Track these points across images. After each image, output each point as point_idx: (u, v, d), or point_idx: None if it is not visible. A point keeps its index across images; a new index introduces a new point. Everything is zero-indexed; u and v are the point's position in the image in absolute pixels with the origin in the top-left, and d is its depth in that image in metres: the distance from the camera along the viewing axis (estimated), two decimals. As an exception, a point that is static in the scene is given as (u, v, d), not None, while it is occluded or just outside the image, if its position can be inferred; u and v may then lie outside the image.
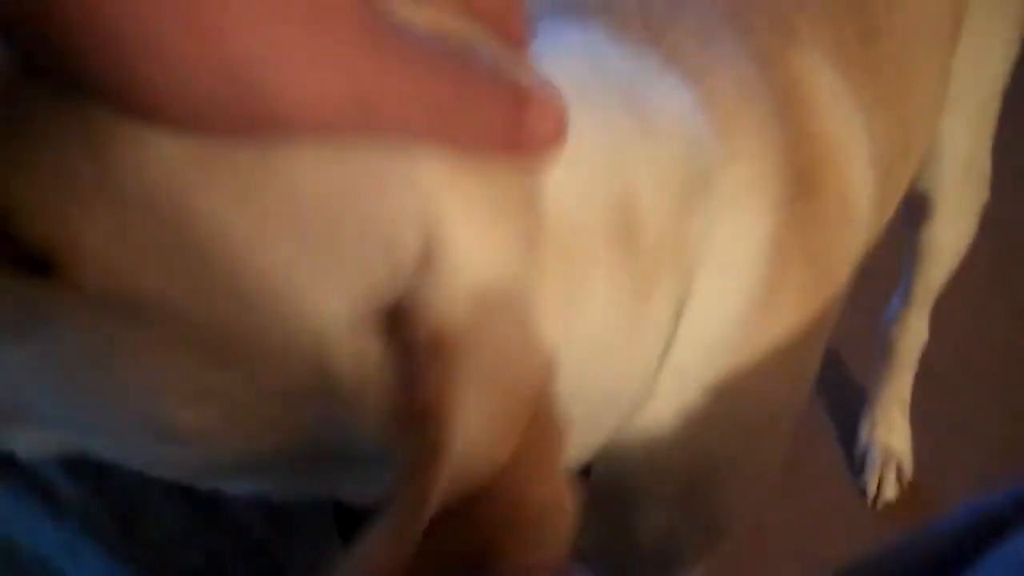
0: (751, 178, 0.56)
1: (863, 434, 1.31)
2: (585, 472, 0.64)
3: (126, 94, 0.29)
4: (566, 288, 0.42)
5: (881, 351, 1.27)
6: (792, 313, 0.60)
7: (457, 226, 0.35)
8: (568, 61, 0.46)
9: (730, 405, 0.59)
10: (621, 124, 0.48)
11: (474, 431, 0.36)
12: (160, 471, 0.40)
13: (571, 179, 0.42)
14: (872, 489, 1.27)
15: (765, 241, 0.57)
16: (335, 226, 0.33)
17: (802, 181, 0.59)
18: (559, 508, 0.39)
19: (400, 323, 0.34)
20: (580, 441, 0.44)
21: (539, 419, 0.38)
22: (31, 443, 0.38)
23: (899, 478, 1.27)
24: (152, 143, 0.31)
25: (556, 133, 0.36)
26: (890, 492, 1.26)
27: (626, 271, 0.47)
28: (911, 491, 1.27)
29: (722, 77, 0.56)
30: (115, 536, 0.41)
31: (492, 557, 0.37)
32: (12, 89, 0.31)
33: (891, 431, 1.31)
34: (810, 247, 0.60)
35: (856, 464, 1.30)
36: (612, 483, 0.63)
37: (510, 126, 0.35)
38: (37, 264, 0.32)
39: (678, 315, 0.52)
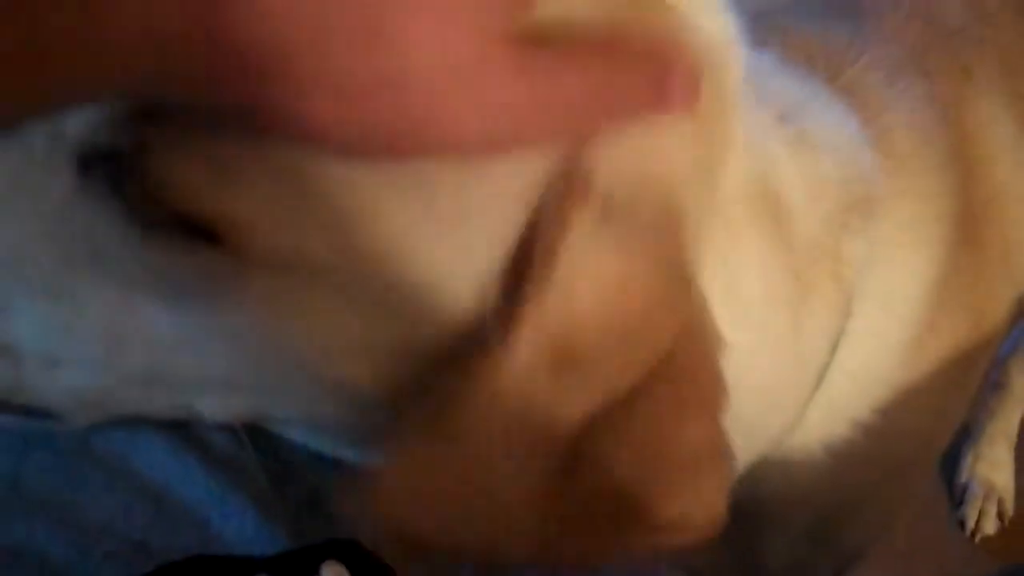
0: (918, 218, 0.57)
1: (965, 467, 1.30)
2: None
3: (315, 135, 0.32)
4: (718, 248, 0.43)
5: (993, 385, 1.26)
6: (945, 357, 0.60)
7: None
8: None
9: (877, 442, 0.60)
10: (768, 128, 0.49)
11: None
12: (309, 430, 0.43)
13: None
14: (971, 523, 1.25)
15: (927, 282, 0.58)
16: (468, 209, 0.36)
17: (968, 228, 0.60)
18: (715, 457, 0.40)
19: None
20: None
21: (703, 367, 0.39)
22: (213, 407, 0.41)
23: (1000, 514, 1.25)
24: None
25: (693, 93, 0.38)
26: (989, 527, 1.25)
27: (779, 257, 0.48)
28: (1011, 527, 1.25)
29: (900, 116, 0.57)
30: (267, 494, 0.44)
31: (637, 506, 0.39)
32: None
33: (995, 467, 1.30)
34: (969, 294, 0.60)
35: (956, 496, 1.28)
36: (745, 507, 0.63)
37: (656, 93, 0.36)
38: (208, 235, 0.35)
39: (835, 340, 0.52)
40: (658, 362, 0.38)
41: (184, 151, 0.34)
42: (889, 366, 0.58)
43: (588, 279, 0.36)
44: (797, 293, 0.49)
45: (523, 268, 0.35)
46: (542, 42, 0.34)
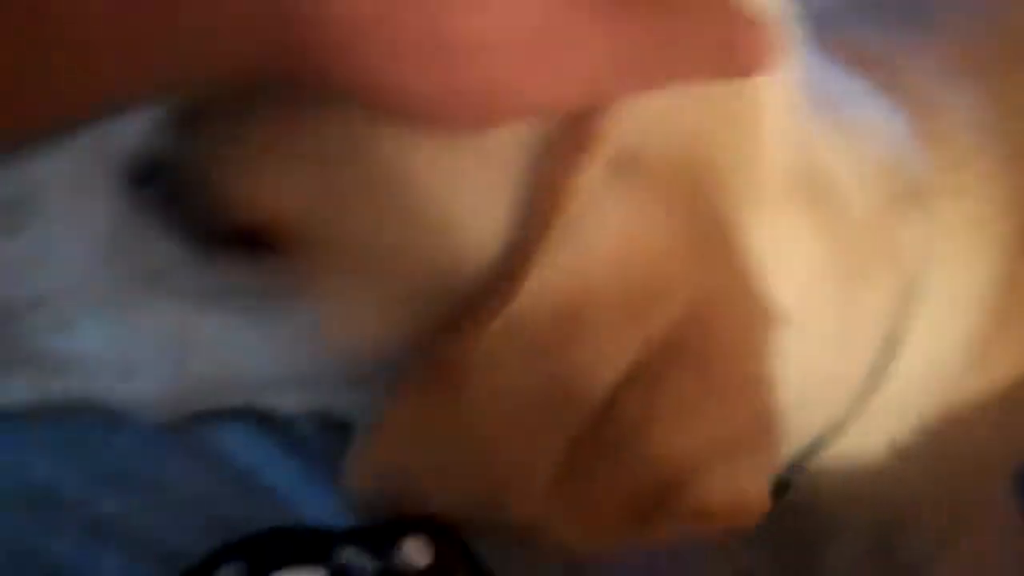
0: (978, 217, 0.57)
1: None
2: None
3: (397, 103, 0.33)
4: (764, 220, 0.43)
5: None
6: (1012, 368, 0.60)
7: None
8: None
9: (943, 446, 0.59)
10: (815, 113, 0.48)
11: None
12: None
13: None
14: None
15: (990, 285, 0.57)
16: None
17: None
18: (756, 438, 0.40)
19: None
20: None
21: (742, 339, 0.39)
22: (284, 403, 0.44)
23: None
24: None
25: (767, 55, 0.38)
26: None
27: (829, 234, 0.47)
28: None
29: (958, 115, 0.58)
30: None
31: (665, 490, 0.39)
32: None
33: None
34: None
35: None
36: (804, 512, 0.62)
37: (724, 54, 0.37)
38: (266, 243, 0.37)
39: (897, 332, 0.52)
40: (685, 331, 0.38)
41: (234, 153, 0.36)
42: (953, 369, 0.57)
43: (598, 230, 0.36)
44: (848, 272, 0.49)
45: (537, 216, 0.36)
46: None
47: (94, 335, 0.42)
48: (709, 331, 0.38)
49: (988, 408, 0.59)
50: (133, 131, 0.38)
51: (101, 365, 0.42)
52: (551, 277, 0.35)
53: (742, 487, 0.40)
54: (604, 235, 0.36)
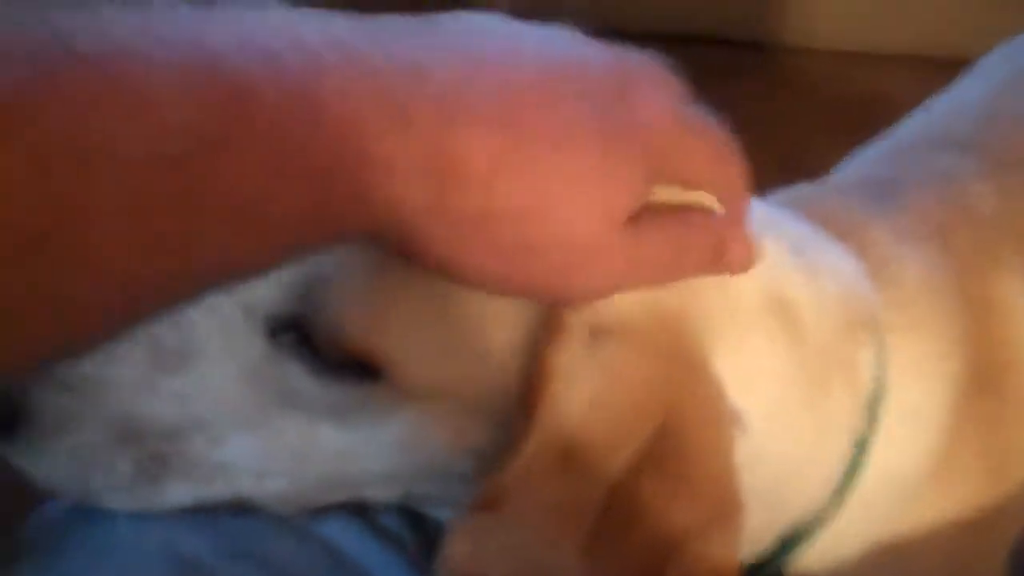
0: (929, 351, 0.63)
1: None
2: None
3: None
4: (737, 340, 0.52)
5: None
6: (965, 496, 0.64)
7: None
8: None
9: (902, 561, 0.63)
10: (780, 252, 0.57)
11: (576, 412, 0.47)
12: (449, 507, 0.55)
13: None
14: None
15: (943, 414, 0.62)
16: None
17: (986, 377, 0.64)
18: (722, 520, 0.48)
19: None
20: (751, 527, 0.51)
21: (719, 481, 0.48)
22: (377, 495, 0.54)
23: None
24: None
25: (748, 259, 0.51)
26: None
27: (793, 354, 0.55)
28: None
29: (909, 268, 0.64)
30: (419, 559, 0.57)
31: (668, 564, 0.48)
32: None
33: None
34: (988, 441, 0.64)
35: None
36: None
37: (714, 254, 0.50)
38: (368, 371, 0.49)
39: (861, 442, 0.58)
40: (659, 443, 0.47)
41: (351, 307, 0.48)
42: (915, 481, 0.62)
43: (581, 388, 0.46)
44: (810, 382, 0.56)
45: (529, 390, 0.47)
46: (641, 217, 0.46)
47: (239, 447, 0.52)
48: (679, 441, 0.47)
49: (937, 535, 0.63)
50: (269, 296, 0.50)
51: (243, 471, 0.52)
52: (550, 427, 0.46)
53: (715, 557, 0.48)
54: (585, 391, 0.46)
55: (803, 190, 0.72)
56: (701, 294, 0.51)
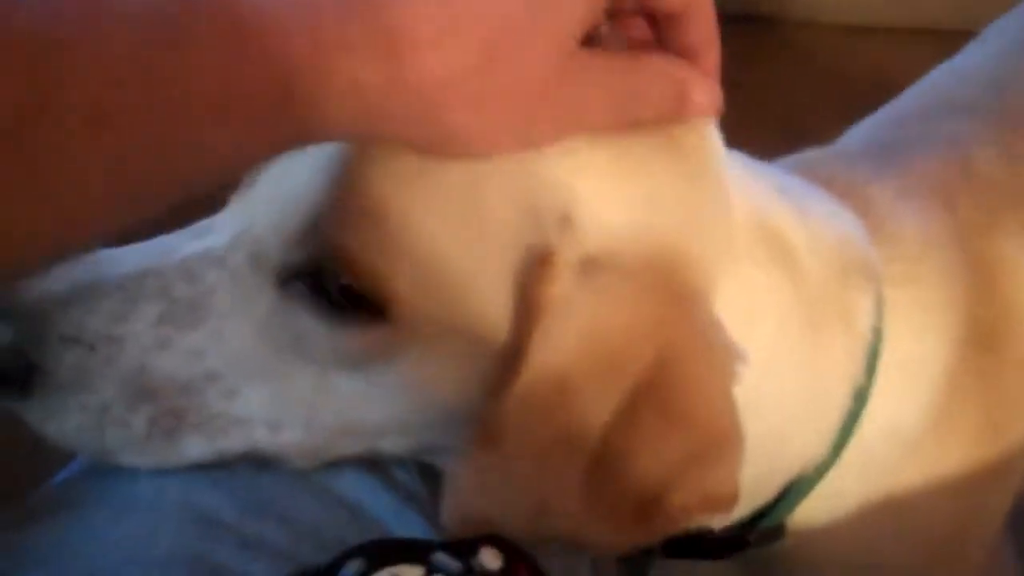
0: (929, 303, 0.63)
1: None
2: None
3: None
4: (732, 272, 0.52)
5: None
6: (965, 450, 0.65)
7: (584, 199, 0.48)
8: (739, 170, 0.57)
9: (902, 515, 0.64)
10: (768, 193, 0.57)
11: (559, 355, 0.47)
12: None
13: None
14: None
15: (942, 368, 0.63)
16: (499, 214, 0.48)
17: (985, 332, 0.65)
18: (720, 447, 0.48)
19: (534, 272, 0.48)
20: (751, 478, 0.52)
21: (714, 412, 0.48)
22: (391, 448, 0.55)
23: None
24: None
25: (712, 105, 0.50)
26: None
27: (787, 287, 0.55)
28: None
29: (907, 224, 0.64)
30: (430, 509, 0.58)
31: (654, 497, 0.48)
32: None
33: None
34: (988, 396, 0.65)
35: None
36: (793, 573, 0.68)
37: (676, 101, 0.49)
38: (377, 315, 0.50)
39: (860, 391, 0.59)
40: (652, 377, 0.47)
41: (356, 244, 0.49)
42: (913, 432, 0.62)
43: (572, 320, 0.47)
44: (808, 322, 0.56)
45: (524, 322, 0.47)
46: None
47: (252, 399, 0.53)
48: (673, 372, 0.48)
49: (937, 486, 0.63)
50: (277, 246, 0.51)
51: (257, 422, 0.53)
52: (542, 360, 0.46)
53: (711, 488, 0.49)
54: (577, 323, 0.47)
55: (807, 155, 0.73)
56: (694, 223, 0.51)
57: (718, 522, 0.56)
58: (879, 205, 0.66)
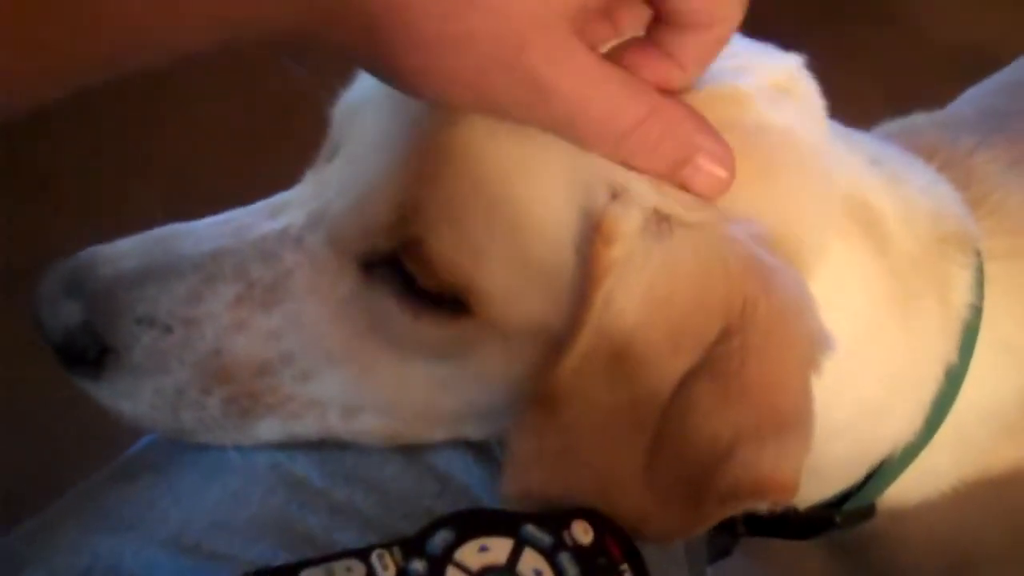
0: None
1: None
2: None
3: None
4: (818, 245, 0.49)
5: None
6: None
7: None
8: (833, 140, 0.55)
9: (1004, 496, 0.63)
10: (858, 161, 0.55)
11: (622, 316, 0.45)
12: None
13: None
14: None
15: None
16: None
17: None
18: (784, 430, 0.45)
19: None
20: (839, 459, 0.51)
21: (781, 390, 0.45)
22: (475, 432, 0.55)
23: None
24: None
25: (720, 185, 0.46)
26: None
27: (877, 261, 0.53)
28: None
29: (1015, 198, 0.62)
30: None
31: (711, 478, 0.46)
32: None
33: None
34: None
35: None
36: (882, 554, 0.67)
37: (680, 165, 0.46)
38: (461, 305, 0.49)
39: (954, 372, 0.57)
40: (719, 348, 0.45)
41: (444, 242, 0.48)
42: (1010, 417, 0.60)
43: (633, 289, 0.44)
44: (900, 300, 0.54)
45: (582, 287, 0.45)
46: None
47: (329, 383, 0.52)
48: (738, 348, 0.45)
49: None
50: (361, 232, 0.50)
51: (332, 406, 0.53)
52: (602, 326, 0.44)
53: (766, 472, 0.46)
54: (642, 286, 0.44)
55: (912, 120, 0.70)
56: (783, 196, 0.49)
57: (787, 505, 0.53)
58: (983, 176, 0.63)
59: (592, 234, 0.46)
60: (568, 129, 0.45)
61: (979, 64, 0.88)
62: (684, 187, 0.46)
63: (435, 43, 0.41)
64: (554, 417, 0.47)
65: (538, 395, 0.47)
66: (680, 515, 0.48)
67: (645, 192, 0.46)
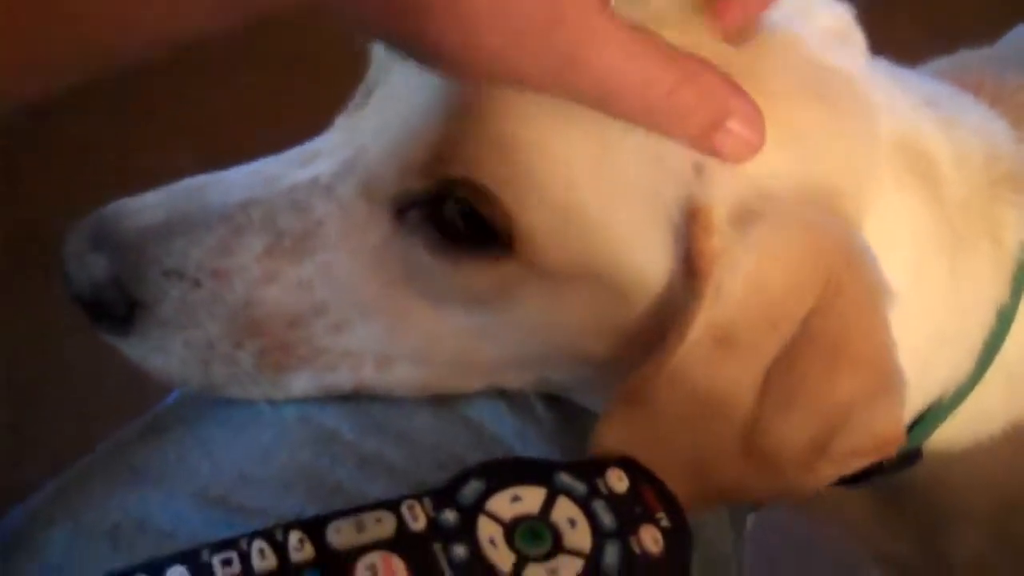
0: None
1: None
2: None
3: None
4: (878, 201, 0.50)
5: None
6: None
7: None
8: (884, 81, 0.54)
9: None
10: (911, 104, 0.54)
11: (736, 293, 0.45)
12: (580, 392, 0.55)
13: None
14: None
15: None
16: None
17: None
18: (882, 390, 0.47)
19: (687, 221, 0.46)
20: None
21: (878, 353, 0.47)
22: (512, 382, 0.54)
23: None
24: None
25: (749, 148, 0.46)
26: None
27: (930, 206, 0.53)
28: None
29: None
30: (554, 435, 0.56)
31: (833, 439, 0.48)
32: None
33: None
34: None
35: None
36: (928, 498, 0.66)
37: (709, 129, 0.46)
38: (498, 247, 0.48)
39: (1006, 312, 0.56)
40: (814, 323, 0.46)
41: (488, 178, 0.47)
42: None
43: (736, 274, 0.45)
44: (951, 241, 0.54)
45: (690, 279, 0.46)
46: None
47: (361, 333, 0.51)
48: (837, 316, 0.46)
49: None
50: (391, 176, 0.49)
51: (367, 357, 0.52)
52: (709, 319, 0.45)
53: (880, 427, 0.48)
54: (741, 276, 0.45)
55: (961, 56, 0.68)
56: (847, 157, 0.49)
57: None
58: None
59: (690, 223, 0.47)
60: (599, 102, 0.45)
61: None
62: (715, 152, 0.47)
63: (466, 14, 0.40)
64: (644, 407, 0.47)
65: (629, 392, 0.48)
66: (790, 479, 0.49)
67: (729, 173, 0.47)
